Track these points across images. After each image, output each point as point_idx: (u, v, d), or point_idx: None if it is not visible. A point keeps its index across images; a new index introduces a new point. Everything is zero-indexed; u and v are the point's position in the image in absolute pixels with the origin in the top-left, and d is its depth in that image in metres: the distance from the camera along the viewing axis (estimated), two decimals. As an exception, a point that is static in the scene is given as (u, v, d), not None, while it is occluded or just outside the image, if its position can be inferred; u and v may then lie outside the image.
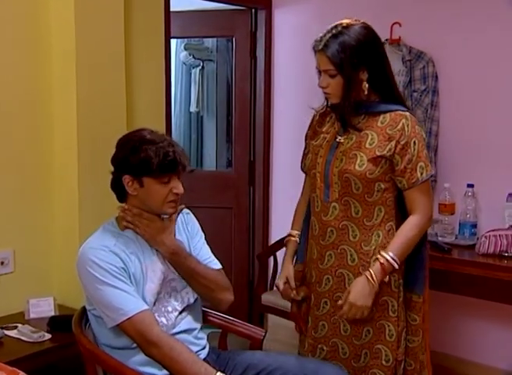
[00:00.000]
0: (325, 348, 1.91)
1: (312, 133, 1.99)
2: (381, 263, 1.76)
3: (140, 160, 1.67)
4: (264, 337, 1.93)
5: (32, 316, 2.30)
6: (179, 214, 1.82)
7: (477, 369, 2.89)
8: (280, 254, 3.21)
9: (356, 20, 1.79)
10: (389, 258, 1.76)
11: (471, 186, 2.76)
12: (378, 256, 1.78)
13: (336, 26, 1.77)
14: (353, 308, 1.77)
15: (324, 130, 1.93)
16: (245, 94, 3.59)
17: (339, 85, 1.78)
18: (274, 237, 3.55)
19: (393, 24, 2.89)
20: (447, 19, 2.88)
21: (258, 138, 3.60)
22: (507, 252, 2.55)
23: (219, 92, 4.18)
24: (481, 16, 2.79)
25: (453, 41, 2.87)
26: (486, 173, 2.82)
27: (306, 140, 2.03)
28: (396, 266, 1.77)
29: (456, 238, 2.77)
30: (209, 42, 4.15)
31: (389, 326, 1.84)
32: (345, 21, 1.78)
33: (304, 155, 2.02)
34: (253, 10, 3.51)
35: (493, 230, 2.59)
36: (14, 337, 2.12)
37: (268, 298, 3.04)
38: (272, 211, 3.65)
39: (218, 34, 3.83)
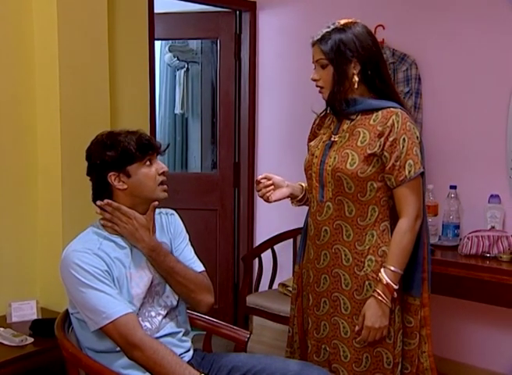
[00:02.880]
0: (328, 348, 1.90)
1: (312, 135, 2.02)
2: (385, 285, 1.76)
3: (118, 152, 1.67)
4: (249, 339, 1.92)
5: (14, 319, 2.28)
6: (154, 211, 1.80)
7: (467, 372, 2.92)
8: (265, 256, 3.23)
9: (354, 20, 1.85)
10: (389, 280, 1.76)
11: (453, 187, 2.79)
12: (380, 277, 1.77)
13: (333, 23, 1.83)
14: (371, 331, 1.78)
15: (322, 131, 1.96)
16: (230, 96, 3.59)
17: (329, 76, 1.81)
18: (259, 239, 3.55)
19: (377, 27, 2.91)
20: (430, 22, 2.90)
21: (243, 140, 3.61)
22: (489, 253, 2.58)
23: (204, 94, 4.18)
24: (464, 19, 2.82)
25: (436, 44, 2.90)
26: (469, 174, 2.85)
27: (308, 143, 2.04)
28: (399, 276, 1.78)
29: (439, 239, 2.79)
30: (194, 44, 4.15)
31: (388, 328, 1.82)
32: (343, 21, 1.84)
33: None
34: (237, 12, 3.52)
35: (475, 231, 2.61)
36: (-4, 342, 2.10)
37: (252, 299, 3.04)
38: (257, 213, 3.65)
39: (202, 36, 3.82)
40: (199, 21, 3.58)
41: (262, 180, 1.93)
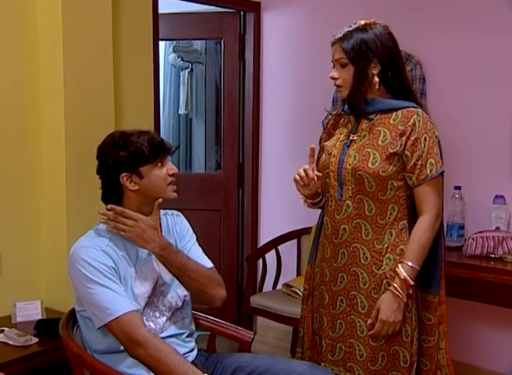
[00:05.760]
0: (343, 347, 1.90)
1: (326, 135, 2.01)
2: (403, 279, 1.77)
3: (131, 152, 1.67)
4: (253, 339, 1.92)
5: (19, 319, 2.29)
6: (159, 210, 1.78)
7: (469, 372, 2.91)
8: (269, 256, 3.23)
9: (374, 21, 1.85)
10: (406, 274, 1.76)
11: (458, 188, 2.78)
12: (398, 272, 1.77)
13: (355, 23, 1.83)
14: (385, 325, 1.78)
15: (338, 131, 1.96)
16: (234, 97, 3.59)
17: (349, 75, 1.81)
18: (263, 239, 3.55)
19: (381, 27, 2.90)
20: (435, 22, 2.90)
21: (247, 140, 3.61)
22: (494, 254, 2.57)
23: (208, 94, 4.19)
24: (468, 20, 2.81)
25: (441, 44, 2.89)
26: (473, 175, 2.84)
27: (320, 142, 2.04)
28: (416, 272, 1.79)
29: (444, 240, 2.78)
30: (198, 44, 4.16)
31: (405, 326, 1.83)
32: (363, 21, 1.84)
33: (318, 158, 2.00)
34: (242, 13, 3.52)
35: (480, 232, 2.60)
36: (0, 341, 2.10)
37: (257, 300, 3.03)
38: (261, 213, 3.65)
39: (206, 37, 3.83)
40: (203, 21, 3.58)
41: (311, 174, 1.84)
